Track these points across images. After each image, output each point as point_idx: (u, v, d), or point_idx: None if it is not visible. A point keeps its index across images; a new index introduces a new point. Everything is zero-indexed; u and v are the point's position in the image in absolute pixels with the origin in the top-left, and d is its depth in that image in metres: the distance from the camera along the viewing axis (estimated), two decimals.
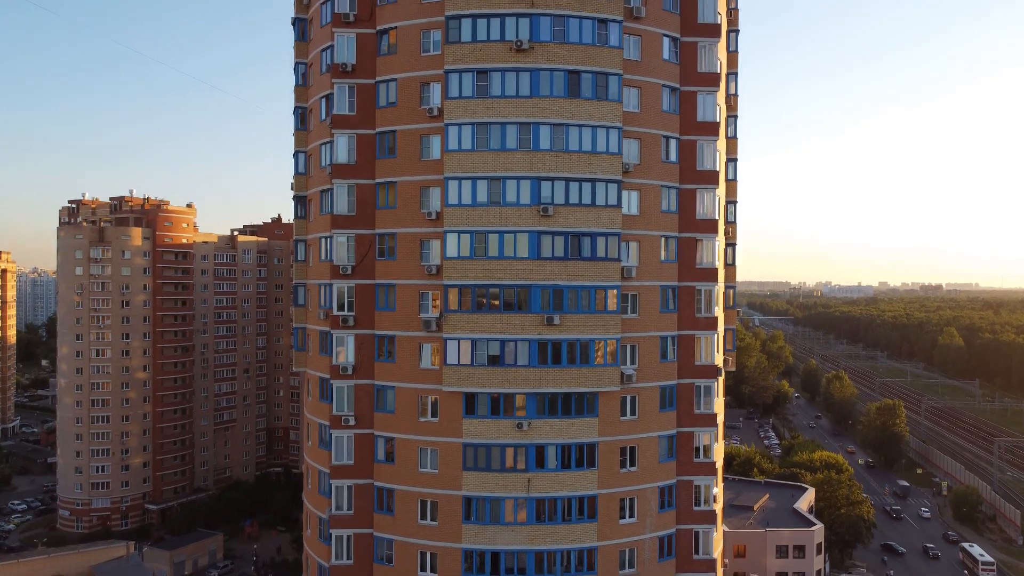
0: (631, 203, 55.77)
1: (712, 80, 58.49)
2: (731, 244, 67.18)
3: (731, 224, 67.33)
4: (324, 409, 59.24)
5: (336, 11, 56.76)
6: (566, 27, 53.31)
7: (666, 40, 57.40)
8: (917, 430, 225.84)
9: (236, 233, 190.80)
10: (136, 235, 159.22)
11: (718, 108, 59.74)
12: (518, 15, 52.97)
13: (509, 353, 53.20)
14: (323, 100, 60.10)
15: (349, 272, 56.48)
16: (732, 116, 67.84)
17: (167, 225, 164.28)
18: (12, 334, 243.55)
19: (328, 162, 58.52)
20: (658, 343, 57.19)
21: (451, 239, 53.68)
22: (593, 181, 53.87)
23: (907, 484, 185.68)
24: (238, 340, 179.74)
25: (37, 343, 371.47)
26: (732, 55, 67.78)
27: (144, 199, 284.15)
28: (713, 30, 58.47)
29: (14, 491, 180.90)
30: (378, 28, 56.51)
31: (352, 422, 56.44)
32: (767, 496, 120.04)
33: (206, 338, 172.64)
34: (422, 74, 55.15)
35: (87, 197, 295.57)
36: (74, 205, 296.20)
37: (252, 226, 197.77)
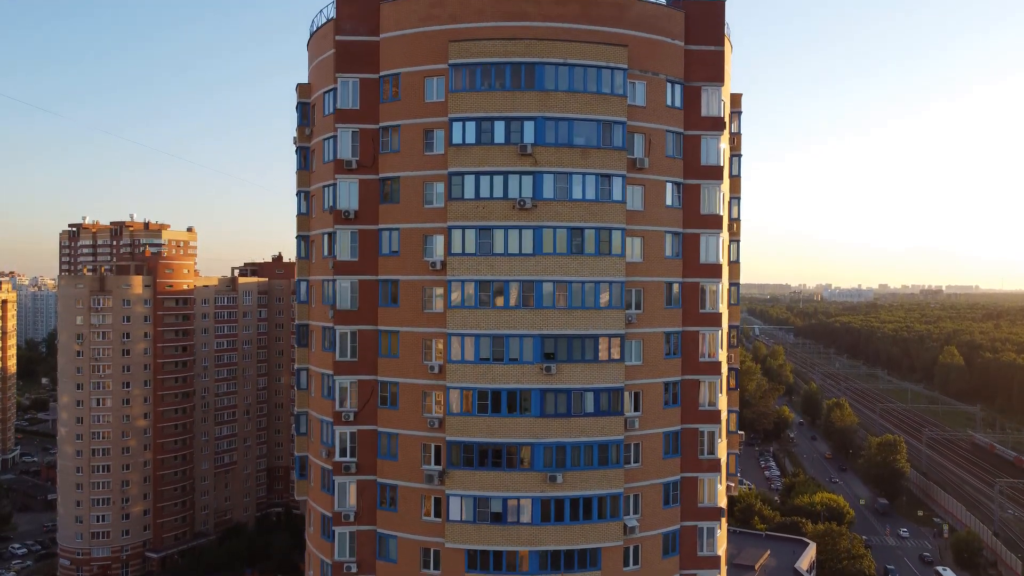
0: (633, 353, 55.70)
1: (715, 222, 58.33)
2: (733, 368, 67.05)
3: (733, 349, 67.21)
4: (326, 548, 59.18)
5: (339, 156, 56.57)
6: (569, 184, 53.19)
7: (669, 186, 57.26)
8: (918, 460, 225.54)
9: (236, 273, 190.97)
10: (137, 283, 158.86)
11: (720, 246, 59.51)
12: (521, 173, 52.83)
13: (512, 510, 53.19)
14: (326, 237, 59.94)
15: (351, 419, 56.39)
16: (734, 241, 67.71)
17: (168, 272, 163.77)
18: (12, 364, 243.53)
19: (331, 302, 58.34)
20: (661, 490, 57.19)
21: (454, 395, 53.61)
22: (596, 336, 53.76)
23: (886, 502, 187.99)
24: (239, 382, 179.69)
25: (37, 360, 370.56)
26: (735, 179, 67.61)
27: (145, 223, 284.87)
28: (716, 172, 58.27)
29: (15, 531, 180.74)
30: (381, 176, 56.32)
31: (354, 569, 56.40)
32: (768, 553, 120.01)
33: (207, 382, 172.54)
34: (425, 226, 55.00)
35: (87, 220, 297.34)
36: (75, 228, 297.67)
37: (252, 264, 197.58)
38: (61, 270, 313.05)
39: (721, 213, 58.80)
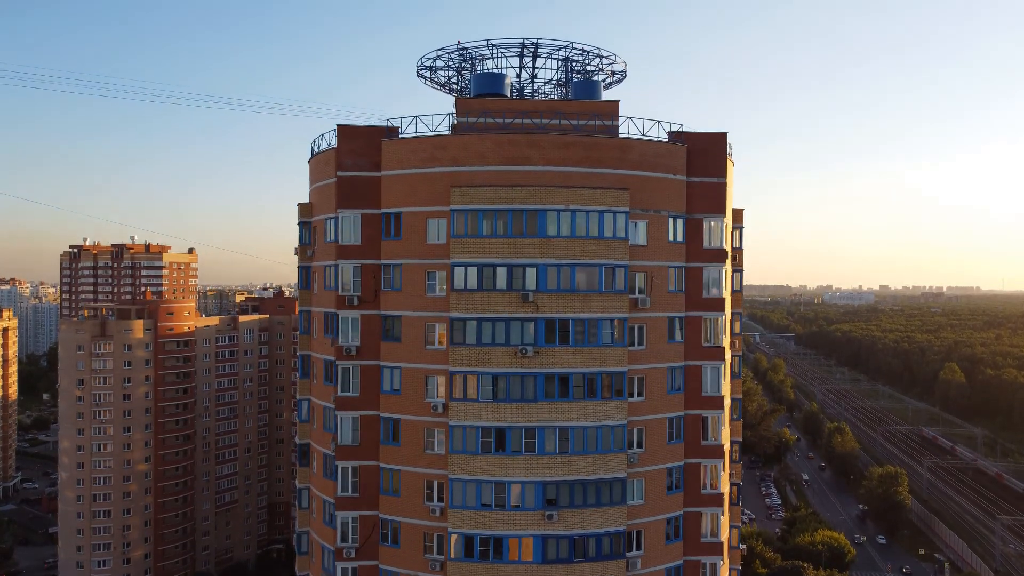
0: (635, 492, 55.58)
1: (718, 354, 58.19)
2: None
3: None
4: None
5: (341, 292, 56.37)
6: (570, 330, 52.96)
7: (671, 320, 57.01)
8: (919, 486, 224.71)
9: (237, 310, 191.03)
10: (138, 327, 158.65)
11: (722, 375, 59.34)
12: (523, 320, 52.61)
13: None
14: (327, 364, 59.74)
15: (352, 555, 56.30)
16: (737, 355, 67.55)
17: (168, 315, 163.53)
18: (13, 391, 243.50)
19: (333, 431, 58.17)
20: None
21: (456, 541, 53.46)
22: (598, 483, 53.66)
23: (866, 507, 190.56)
24: (240, 420, 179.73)
25: (38, 375, 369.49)
26: (736, 295, 67.41)
27: (146, 245, 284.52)
28: (718, 304, 58.11)
29: (15, 566, 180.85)
30: (382, 313, 56.11)
31: None
32: None
33: (208, 422, 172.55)
34: (427, 367, 54.81)
35: (88, 242, 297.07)
36: (75, 250, 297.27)
37: (252, 299, 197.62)
38: (62, 291, 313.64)
39: (723, 345, 58.66)
